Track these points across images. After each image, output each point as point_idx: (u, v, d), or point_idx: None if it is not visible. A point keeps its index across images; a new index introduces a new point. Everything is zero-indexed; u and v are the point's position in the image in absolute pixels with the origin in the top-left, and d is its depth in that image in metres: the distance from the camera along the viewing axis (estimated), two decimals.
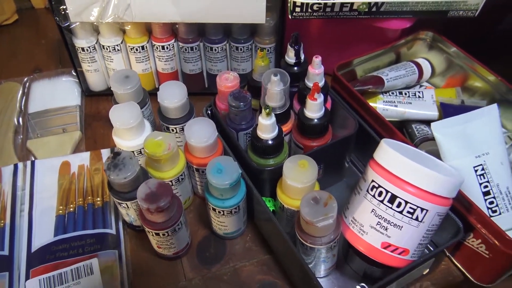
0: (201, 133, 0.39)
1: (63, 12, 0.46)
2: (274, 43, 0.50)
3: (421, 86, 0.53)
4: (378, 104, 0.49)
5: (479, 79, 0.49)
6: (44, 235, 0.42)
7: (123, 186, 0.38)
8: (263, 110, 0.37)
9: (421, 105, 0.49)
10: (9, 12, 0.63)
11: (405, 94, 0.50)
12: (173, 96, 0.42)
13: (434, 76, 0.54)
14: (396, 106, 0.49)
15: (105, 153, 0.49)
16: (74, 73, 0.55)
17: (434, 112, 0.48)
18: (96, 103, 0.55)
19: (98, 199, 0.45)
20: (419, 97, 0.49)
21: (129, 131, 0.41)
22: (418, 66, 0.51)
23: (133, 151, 0.42)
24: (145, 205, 0.35)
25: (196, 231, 0.44)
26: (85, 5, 0.46)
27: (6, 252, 0.41)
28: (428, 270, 0.38)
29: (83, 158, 0.48)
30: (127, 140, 0.42)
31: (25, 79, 0.56)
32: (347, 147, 0.43)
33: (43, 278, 0.39)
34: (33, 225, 0.43)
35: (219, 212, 0.39)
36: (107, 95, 0.55)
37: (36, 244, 0.41)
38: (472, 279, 0.40)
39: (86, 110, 0.54)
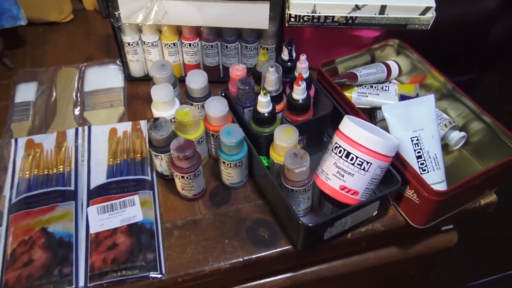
0: (217, 107, 0.54)
1: (116, 15, 0.62)
2: (275, 44, 0.65)
3: (390, 82, 0.67)
4: (353, 94, 0.63)
5: (433, 79, 0.63)
6: (99, 178, 0.58)
7: (160, 142, 0.53)
8: (261, 91, 0.52)
9: (386, 96, 0.63)
10: (66, 12, 0.79)
11: (375, 87, 0.64)
12: (197, 81, 0.57)
13: (401, 75, 0.68)
14: (366, 96, 0.63)
15: (143, 123, 0.64)
16: (119, 62, 0.71)
17: (395, 102, 0.62)
18: (136, 86, 0.70)
19: (138, 155, 0.60)
20: (385, 90, 0.64)
21: (164, 104, 0.56)
22: (387, 66, 0.66)
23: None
24: (176, 153, 0.50)
25: (209, 182, 0.59)
26: (134, 10, 0.61)
27: (72, 188, 0.56)
28: (376, 212, 0.53)
29: (126, 126, 0.64)
30: (162, 112, 0.57)
31: (80, 65, 0.71)
32: (325, 123, 0.58)
33: (99, 206, 0.54)
34: (91, 171, 0.58)
35: (228, 164, 0.54)
36: (144, 80, 0.71)
37: (93, 184, 0.57)
38: (411, 223, 0.54)
39: (128, 91, 0.69)
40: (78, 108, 0.66)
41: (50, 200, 0.55)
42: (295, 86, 0.53)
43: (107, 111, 0.66)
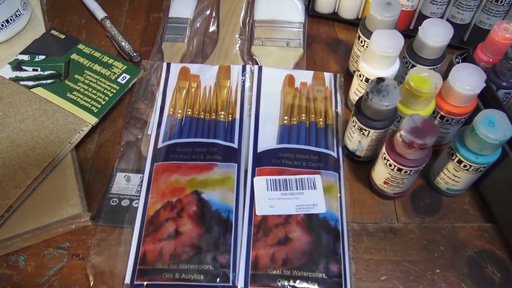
0: (469, 80, 0.37)
1: None
2: None
3: None
4: None
5: None
6: (268, 139, 0.43)
7: (379, 113, 0.37)
8: None
9: None
10: None
11: None
12: (439, 34, 0.40)
13: None
14: None
15: (328, 76, 0.48)
16: None
17: None
18: (318, 24, 0.54)
19: (321, 119, 0.44)
20: None
21: (384, 60, 0.39)
22: None
23: None
24: (411, 137, 0.34)
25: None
26: None
27: (235, 145, 0.42)
28: None
29: (306, 75, 0.48)
30: (377, 69, 0.40)
31: None
32: None
33: (270, 179, 0.40)
34: (259, 127, 0.44)
35: (465, 166, 0.37)
36: (329, 20, 0.54)
37: (262, 146, 0.43)
38: None
39: (308, 30, 0.53)
40: (244, 39, 0.51)
41: (207, 155, 0.41)
42: None
43: (282, 51, 0.50)
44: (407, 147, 0.35)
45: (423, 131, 0.34)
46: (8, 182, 0.37)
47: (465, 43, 0.51)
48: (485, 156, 0.36)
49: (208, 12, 0.54)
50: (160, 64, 0.48)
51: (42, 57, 0.46)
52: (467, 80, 0.37)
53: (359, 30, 0.44)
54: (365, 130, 0.39)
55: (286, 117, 0.45)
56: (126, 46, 0.50)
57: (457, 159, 0.37)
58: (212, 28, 0.53)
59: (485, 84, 0.37)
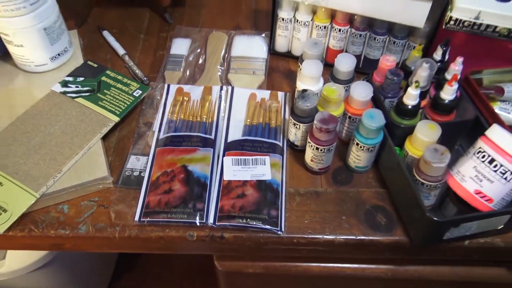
0: (363, 91, 0.57)
1: None
2: (424, 43, 0.65)
3: None
4: (495, 108, 0.62)
5: None
6: (236, 134, 0.63)
7: (303, 112, 0.57)
8: (413, 83, 0.53)
9: None
10: None
11: None
12: (346, 63, 0.60)
13: None
14: (509, 113, 0.62)
15: (280, 94, 0.68)
16: (264, 36, 0.76)
17: None
18: (277, 60, 0.75)
19: (273, 121, 0.64)
20: None
21: (312, 79, 0.60)
22: None
23: None
24: (319, 124, 0.53)
25: (333, 162, 0.61)
26: None
27: (212, 137, 0.62)
28: (502, 226, 0.52)
29: (265, 94, 0.68)
30: (309, 85, 0.60)
31: (230, 32, 0.77)
32: (463, 129, 0.58)
33: (234, 158, 0.59)
34: (229, 126, 0.64)
35: (361, 147, 0.56)
36: (285, 56, 0.75)
37: (230, 139, 0.62)
38: None
39: (270, 63, 0.74)
40: (223, 69, 0.72)
41: (192, 143, 0.61)
42: (446, 86, 0.54)
43: (249, 77, 0.71)
44: (319, 131, 0.54)
45: (328, 120, 0.54)
46: (60, 155, 0.57)
47: (359, 68, 0.71)
48: (371, 139, 0.55)
49: (198, 50, 0.75)
50: (163, 85, 0.69)
51: (81, 78, 0.66)
52: (362, 91, 0.57)
53: (299, 62, 0.65)
54: (297, 124, 0.58)
55: (248, 120, 0.64)
56: (139, 73, 0.70)
57: (355, 142, 0.57)
58: (200, 61, 0.74)
59: (372, 94, 0.57)
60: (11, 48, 0.65)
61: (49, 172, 0.55)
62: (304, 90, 0.57)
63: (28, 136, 0.59)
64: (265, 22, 0.80)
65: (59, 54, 0.67)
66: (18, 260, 0.92)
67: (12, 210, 0.52)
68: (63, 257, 0.98)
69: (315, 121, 0.54)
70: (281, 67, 0.74)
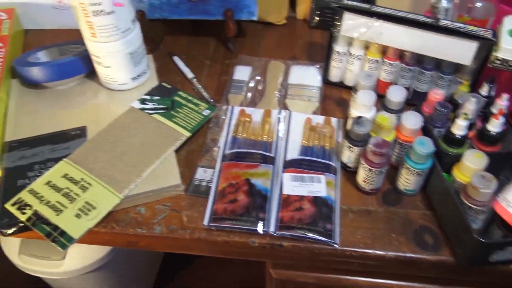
0: (414, 120, 0.62)
1: (338, 27, 0.73)
2: (470, 80, 0.71)
3: None
4: None
5: None
6: (293, 153, 0.69)
7: (358, 136, 0.63)
8: (462, 115, 0.58)
9: None
10: (282, 17, 0.94)
11: None
12: (398, 95, 0.66)
13: None
14: None
15: (334, 120, 0.74)
16: (318, 66, 0.83)
17: None
18: (330, 89, 0.81)
19: (327, 144, 0.70)
20: None
21: (365, 108, 0.66)
22: None
23: None
24: (374, 148, 0.59)
25: (383, 184, 0.66)
26: (355, 26, 0.72)
27: (272, 155, 0.68)
28: None
29: (320, 119, 0.75)
30: (362, 113, 0.66)
31: (288, 61, 0.85)
32: (508, 159, 0.63)
33: (292, 175, 0.66)
34: (287, 146, 0.70)
35: (411, 171, 0.61)
36: (338, 86, 0.81)
37: (288, 157, 0.69)
38: None
39: (324, 91, 0.81)
40: (281, 94, 0.79)
41: (254, 159, 0.67)
42: (493, 119, 0.59)
43: (304, 103, 0.78)
44: (373, 154, 0.60)
45: (381, 145, 0.59)
46: (140, 163, 0.64)
47: (409, 100, 0.76)
48: (421, 164, 0.60)
49: (258, 77, 0.83)
50: (227, 107, 0.76)
51: (157, 97, 0.75)
52: (413, 120, 0.62)
53: (352, 91, 0.72)
54: (352, 147, 0.64)
55: (304, 141, 0.71)
56: (206, 95, 0.78)
57: (406, 166, 0.62)
58: (260, 87, 0.81)
59: (422, 123, 0.62)
60: (99, 68, 0.74)
61: (131, 178, 0.63)
62: (359, 117, 0.63)
63: (112, 145, 0.67)
64: (319, 54, 0.88)
65: (139, 75, 0.76)
66: (76, 261, 1.00)
67: (100, 208, 0.60)
68: (116, 261, 1.06)
69: (369, 145, 0.60)
70: (333, 95, 0.80)
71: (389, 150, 0.60)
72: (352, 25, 0.72)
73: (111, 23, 0.66)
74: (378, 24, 0.70)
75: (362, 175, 0.64)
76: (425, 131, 0.65)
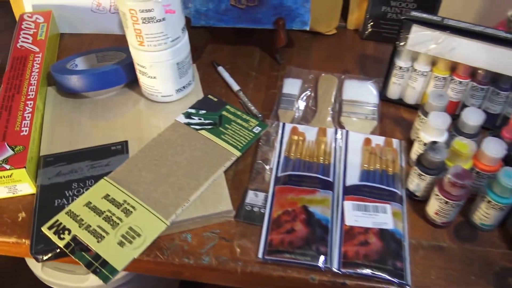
0: (496, 148, 0.55)
1: (403, 40, 0.67)
2: None
3: None
4: None
5: None
6: (353, 178, 0.63)
7: (432, 164, 0.56)
8: None
9: None
10: (332, 26, 0.88)
11: None
12: (475, 118, 0.59)
13: None
14: None
15: (395, 142, 0.68)
16: (373, 82, 0.76)
17: None
18: (387, 106, 0.75)
19: (390, 169, 0.64)
20: None
21: (438, 131, 0.59)
22: None
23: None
24: (454, 179, 0.52)
25: (457, 217, 0.60)
26: (423, 40, 0.66)
27: (331, 179, 0.62)
28: None
29: (379, 139, 0.68)
30: (434, 137, 0.60)
31: (341, 75, 0.79)
32: None
33: (355, 203, 0.59)
34: (346, 170, 0.64)
35: (492, 205, 0.54)
36: (396, 104, 0.75)
37: (348, 182, 0.62)
38: None
39: (381, 109, 0.74)
40: (334, 111, 0.73)
41: (311, 184, 0.61)
42: None
43: (361, 122, 0.71)
44: (451, 186, 0.53)
45: (463, 176, 0.53)
46: (187, 185, 0.58)
47: (497, 127, 0.70)
48: (506, 198, 0.53)
49: (309, 92, 0.77)
50: (278, 123, 0.70)
51: (203, 111, 0.69)
52: (495, 148, 0.56)
53: (419, 112, 0.65)
54: (423, 175, 0.57)
55: (365, 165, 0.64)
56: (254, 110, 0.72)
57: (487, 199, 0.55)
58: (311, 103, 0.75)
59: (506, 151, 0.55)
60: (143, 79, 0.68)
61: (178, 201, 0.57)
62: (435, 142, 0.56)
63: (157, 163, 0.61)
64: (373, 67, 0.81)
65: (184, 87, 0.71)
66: None
67: (145, 236, 0.54)
68: (141, 276, 1.00)
69: (449, 175, 0.53)
70: (392, 114, 0.74)
71: (471, 182, 0.53)
72: (420, 39, 0.66)
73: (161, 31, 0.61)
74: (450, 38, 0.64)
75: (434, 207, 0.57)
76: (508, 160, 0.58)
